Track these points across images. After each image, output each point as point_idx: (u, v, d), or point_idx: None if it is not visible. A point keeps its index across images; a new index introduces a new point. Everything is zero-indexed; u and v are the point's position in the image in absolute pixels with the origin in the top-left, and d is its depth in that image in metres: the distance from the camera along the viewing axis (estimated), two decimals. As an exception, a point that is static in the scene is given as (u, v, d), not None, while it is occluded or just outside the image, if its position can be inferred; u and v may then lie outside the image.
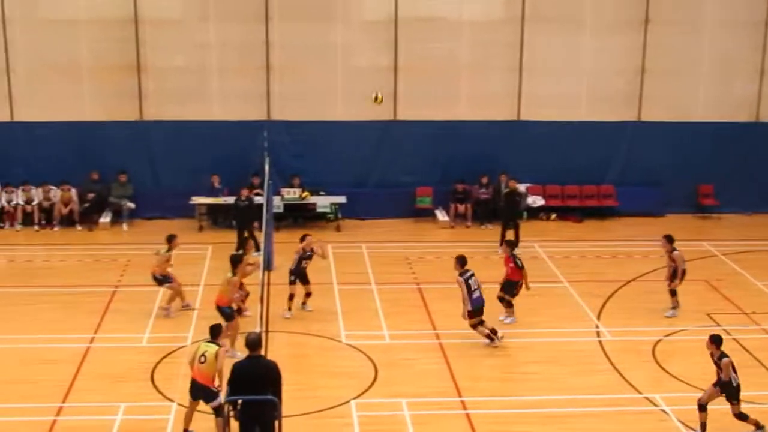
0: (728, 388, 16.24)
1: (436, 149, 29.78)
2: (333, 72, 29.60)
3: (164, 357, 19.67)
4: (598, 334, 21.11)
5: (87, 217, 28.87)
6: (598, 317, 22.05)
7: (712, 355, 16.44)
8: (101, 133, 29.19)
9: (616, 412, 17.48)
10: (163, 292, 22.19)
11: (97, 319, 21.64)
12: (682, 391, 18.06)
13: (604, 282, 24.31)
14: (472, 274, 19.89)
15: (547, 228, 29.43)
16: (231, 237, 26.68)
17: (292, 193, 28.54)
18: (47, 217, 28.89)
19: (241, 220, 26.34)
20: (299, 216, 28.97)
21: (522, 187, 28.56)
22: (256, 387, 13.71)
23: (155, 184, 29.76)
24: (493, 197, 29.06)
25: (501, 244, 26.40)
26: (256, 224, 26.12)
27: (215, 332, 16.43)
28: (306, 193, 28.60)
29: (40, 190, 28.91)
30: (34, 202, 28.86)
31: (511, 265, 21.18)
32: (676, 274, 21.71)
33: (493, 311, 20.92)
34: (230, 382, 13.98)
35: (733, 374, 16.27)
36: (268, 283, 18.08)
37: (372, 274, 24.68)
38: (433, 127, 29.63)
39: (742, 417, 16.35)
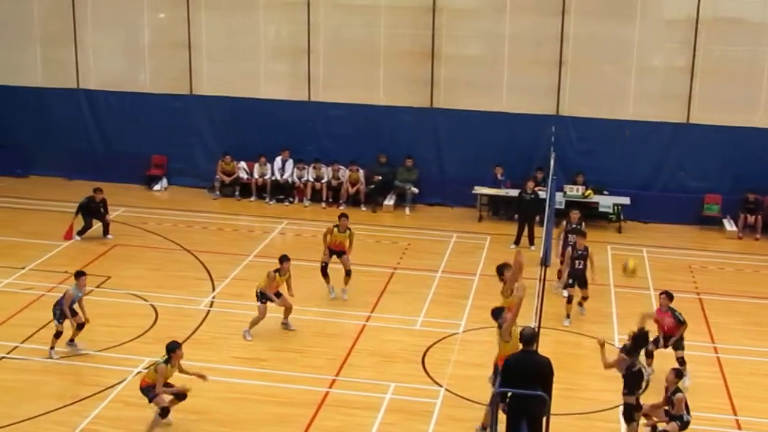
0: (680, 421, 15.63)
1: (728, 156, 28.58)
2: (626, 70, 29.00)
3: (436, 342, 19.94)
4: None
5: (372, 199, 29.60)
6: None
7: (666, 389, 15.80)
8: (392, 118, 29.86)
9: None
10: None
11: (374, 298, 22.18)
12: None
13: None
14: None
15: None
16: (510, 229, 26.75)
17: (574, 190, 28.23)
18: (335, 195, 29.85)
19: (524, 213, 26.35)
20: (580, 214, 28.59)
21: (820, 202, 27.09)
22: (527, 381, 13.65)
23: (439, 171, 30.16)
24: (787, 210, 27.74)
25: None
26: (537, 218, 26.12)
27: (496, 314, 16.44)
28: (589, 192, 28.22)
29: (330, 168, 29.89)
30: (324, 180, 29.86)
31: (670, 318, 18.45)
32: None
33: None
34: (502, 373, 14.00)
35: (685, 410, 15.62)
36: (545, 279, 17.91)
37: (651, 280, 24.08)
38: (727, 132, 28.46)
39: None
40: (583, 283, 21.23)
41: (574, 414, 16.96)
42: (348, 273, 22.31)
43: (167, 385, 16.16)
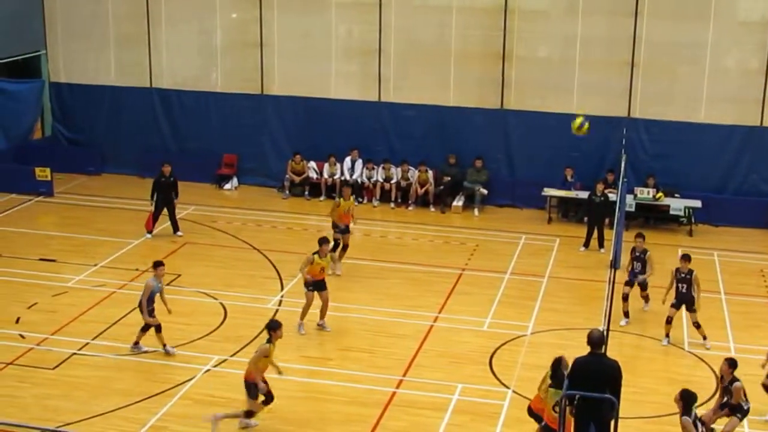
0: (740, 412, 15.67)
1: (804, 159, 28.28)
2: (699, 72, 28.62)
3: (504, 344, 19.90)
4: None
5: (441, 200, 29.56)
6: None
7: (722, 378, 15.94)
8: (462, 119, 29.80)
9: None
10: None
11: (443, 299, 22.19)
12: None
13: None
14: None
15: None
16: (579, 231, 26.60)
17: (645, 193, 27.94)
18: (404, 195, 29.85)
19: (593, 215, 26.18)
20: (651, 217, 28.34)
21: None
22: (595, 384, 13.57)
23: (509, 172, 30.07)
24: None
25: None
26: (607, 221, 25.93)
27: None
28: (660, 194, 27.94)
29: (399, 169, 29.92)
30: (393, 181, 29.90)
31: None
32: None
33: None
34: (569, 376, 13.93)
35: (744, 399, 15.63)
36: (614, 281, 17.84)
37: (722, 283, 23.82)
38: (801, 135, 28.14)
39: None
40: (690, 307, 20.18)
41: (643, 418, 16.85)
42: (345, 248, 23.96)
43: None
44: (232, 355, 18.94)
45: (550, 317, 21.30)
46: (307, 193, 30.40)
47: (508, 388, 17.96)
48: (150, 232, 25.94)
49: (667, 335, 20.42)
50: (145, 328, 19.00)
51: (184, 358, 18.87)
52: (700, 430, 14.92)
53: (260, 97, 31.15)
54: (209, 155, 31.36)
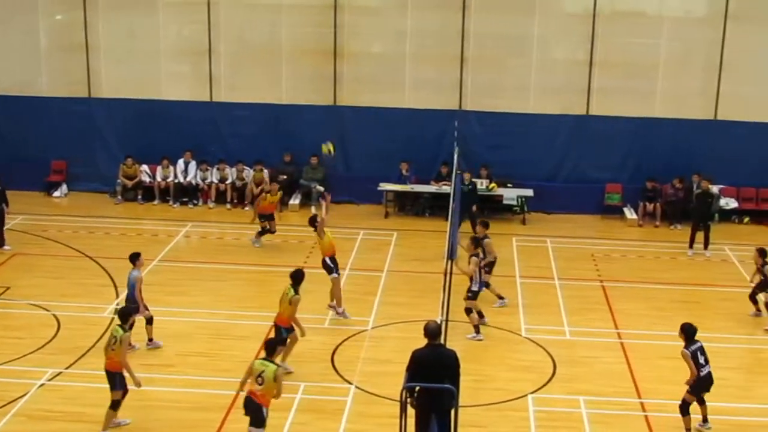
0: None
1: (628, 146, 29.19)
2: (527, 64, 29.35)
3: (345, 340, 19.90)
4: (794, 342, 20.23)
5: (277, 198, 29.45)
6: (795, 325, 21.15)
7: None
8: (296, 116, 29.77)
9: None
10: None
11: (282, 298, 22.04)
12: None
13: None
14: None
15: (739, 231, 28.34)
16: (416, 225, 26.87)
17: (479, 184, 28.41)
18: (239, 196, 29.63)
19: (464, 204, 25.90)
20: (485, 207, 28.81)
21: (715, 189, 27.70)
22: (434, 375, 13.67)
23: (345, 168, 30.15)
24: (685, 197, 28.28)
25: (690, 246, 25.82)
26: (474, 208, 26.27)
27: (272, 350, 15.40)
28: (493, 185, 28.46)
29: (234, 169, 29.68)
30: (228, 181, 29.64)
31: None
32: None
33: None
34: (409, 368, 13.99)
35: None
36: (451, 273, 18.03)
37: (556, 269, 24.40)
38: (626, 123, 28.99)
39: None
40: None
41: (484, 405, 17.04)
42: (274, 232, 25.78)
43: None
44: (67, 368, 18.39)
45: (391, 311, 21.41)
46: (140, 197, 29.86)
47: (350, 384, 17.96)
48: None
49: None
50: (150, 321, 19.19)
51: (16, 373, 18.20)
52: (700, 360, 15.73)
53: (89, 100, 30.45)
54: (37, 162, 30.40)
